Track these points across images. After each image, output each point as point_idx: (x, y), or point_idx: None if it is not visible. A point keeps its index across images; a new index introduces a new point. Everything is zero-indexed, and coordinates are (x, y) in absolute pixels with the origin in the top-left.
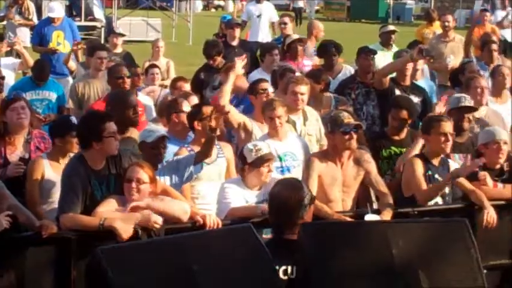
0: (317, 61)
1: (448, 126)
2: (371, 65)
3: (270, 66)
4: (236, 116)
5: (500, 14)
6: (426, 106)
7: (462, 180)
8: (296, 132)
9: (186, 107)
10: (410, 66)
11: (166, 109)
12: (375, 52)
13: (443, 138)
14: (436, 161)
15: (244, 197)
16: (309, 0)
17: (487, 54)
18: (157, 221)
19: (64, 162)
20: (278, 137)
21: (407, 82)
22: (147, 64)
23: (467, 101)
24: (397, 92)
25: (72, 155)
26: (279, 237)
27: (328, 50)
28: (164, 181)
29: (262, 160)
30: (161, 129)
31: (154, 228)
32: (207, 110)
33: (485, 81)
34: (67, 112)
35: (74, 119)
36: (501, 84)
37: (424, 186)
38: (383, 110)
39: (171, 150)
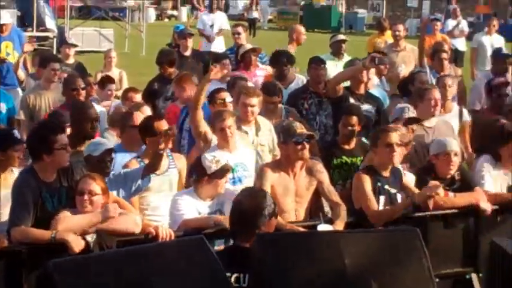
0: (270, 71)
1: (394, 137)
2: (322, 75)
3: (223, 76)
4: (201, 123)
5: (451, 23)
6: (380, 115)
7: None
8: (248, 142)
9: (140, 119)
10: (365, 74)
11: (120, 121)
12: (324, 62)
13: (389, 149)
14: (386, 172)
15: (197, 208)
16: (262, 10)
17: (438, 63)
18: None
19: (5, 177)
20: (228, 148)
21: (362, 91)
22: (99, 75)
23: (411, 111)
24: (352, 100)
25: (14, 169)
26: (234, 245)
27: (280, 60)
28: None
29: (223, 171)
30: (107, 142)
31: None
32: (159, 126)
33: (439, 93)
34: (18, 124)
35: (16, 133)
36: (443, 96)
37: (372, 204)
38: (337, 119)
39: (123, 160)
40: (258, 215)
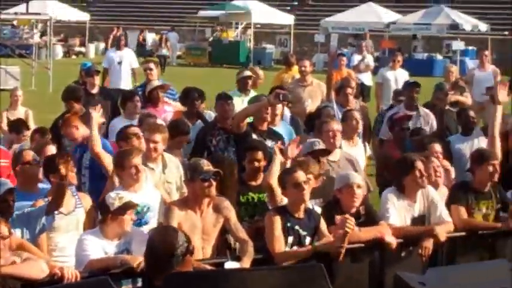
0: (179, 107)
1: (301, 176)
2: (230, 111)
3: (132, 113)
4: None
5: (357, 58)
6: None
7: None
8: (155, 179)
9: (29, 156)
10: (269, 111)
11: (12, 162)
12: (231, 97)
13: (297, 190)
14: (299, 213)
15: (103, 248)
16: (171, 46)
17: (343, 98)
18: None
19: None
20: (133, 188)
21: (265, 127)
22: (5, 114)
23: (321, 145)
24: (254, 136)
25: None
26: (148, 283)
27: (190, 96)
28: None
29: (126, 207)
30: (8, 181)
31: None
32: (60, 160)
33: (338, 125)
34: None
35: None
36: (354, 129)
37: (278, 245)
38: (240, 154)
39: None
40: (171, 255)
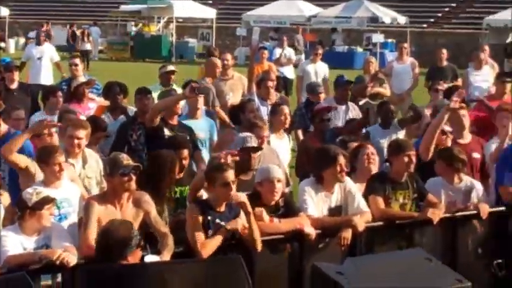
0: (103, 102)
1: (231, 175)
2: (149, 105)
3: (54, 108)
4: (21, 159)
5: (278, 51)
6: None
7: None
8: (74, 175)
9: None
10: (180, 105)
11: None
12: (150, 92)
13: (226, 189)
14: (221, 207)
15: (22, 244)
16: (93, 41)
17: (264, 91)
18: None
19: None
20: (54, 184)
21: (175, 121)
22: None
23: (253, 141)
24: (165, 130)
25: None
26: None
27: (112, 90)
28: None
29: (44, 202)
30: None
31: None
32: None
33: (266, 129)
34: None
35: None
36: (281, 123)
37: (198, 237)
38: (151, 147)
39: None
40: (127, 246)
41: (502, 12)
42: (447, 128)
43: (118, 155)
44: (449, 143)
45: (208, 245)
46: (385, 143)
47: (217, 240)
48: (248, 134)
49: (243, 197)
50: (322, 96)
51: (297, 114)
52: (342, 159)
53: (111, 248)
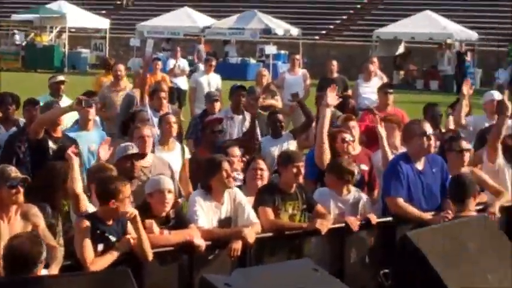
0: None
1: (127, 191)
2: (37, 116)
3: None
4: None
5: (172, 62)
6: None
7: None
8: None
9: None
10: (62, 117)
11: None
12: (38, 102)
13: (119, 203)
14: (108, 221)
15: None
16: None
17: (157, 102)
18: None
19: None
20: None
21: (59, 133)
22: None
23: (134, 149)
24: (50, 143)
25: None
26: None
27: (4, 101)
28: None
29: None
30: None
31: None
32: None
33: (149, 130)
34: None
35: None
36: (168, 133)
37: (86, 252)
38: (36, 160)
39: None
40: (36, 262)
41: (391, 25)
42: (348, 137)
43: (6, 167)
44: (351, 151)
45: (97, 264)
46: (275, 152)
47: (108, 260)
48: (130, 143)
49: (134, 212)
50: (218, 105)
51: (191, 125)
52: (226, 165)
53: (20, 264)
